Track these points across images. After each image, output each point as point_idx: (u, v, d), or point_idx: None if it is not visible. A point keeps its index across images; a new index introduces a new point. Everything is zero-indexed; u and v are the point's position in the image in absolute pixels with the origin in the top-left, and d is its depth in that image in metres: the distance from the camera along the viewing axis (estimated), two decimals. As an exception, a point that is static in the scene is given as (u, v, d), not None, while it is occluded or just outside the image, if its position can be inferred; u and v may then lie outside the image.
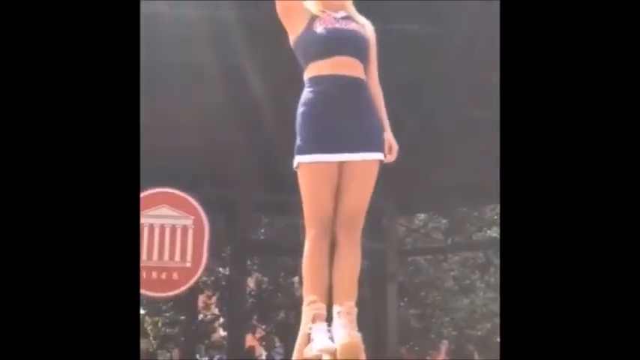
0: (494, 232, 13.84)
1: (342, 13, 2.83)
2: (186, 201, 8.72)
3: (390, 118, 2.84)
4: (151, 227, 8.57)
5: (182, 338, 13.81)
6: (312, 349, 2.49)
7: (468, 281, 15.32)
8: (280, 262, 14.57)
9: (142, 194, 8.25)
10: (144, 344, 14.22)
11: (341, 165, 2.68)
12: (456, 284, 15.37)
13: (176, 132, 7.88)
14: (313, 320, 2.55)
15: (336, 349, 2.44)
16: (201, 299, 14.98)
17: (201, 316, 14.94)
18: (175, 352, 15.92)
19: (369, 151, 2.70)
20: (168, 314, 15.34)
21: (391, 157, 2.78)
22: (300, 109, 2.74)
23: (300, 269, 2.71)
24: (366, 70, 2.80)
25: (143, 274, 8.25)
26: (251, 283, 14.74)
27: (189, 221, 8.68)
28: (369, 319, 9.14)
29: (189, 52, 6.70)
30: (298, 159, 2.68)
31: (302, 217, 2.71)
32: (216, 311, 15.87)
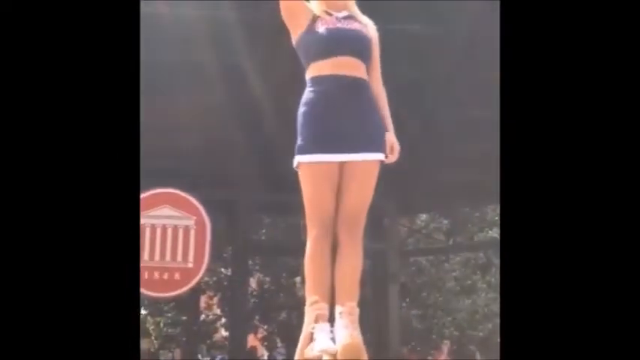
0: (496, 233, 13.83)
1: (344, 13, 2.83)
2: (188, 201, 8.72)
3: (391, 117, 2.84)
4: (153, 227, 8.58)
5: (184, 338, 13.81)
6: (314, 350, 2.49)
7: (469, 282, 15.31)
8: (282, 263, 14.58)
9: (144, 194, 8.26)
10: (146, 344, 14.24)
11: (342, 165, 2.67)
12: (457, 285, 15.36)
13: (176, 132, 7.88)
14: (316, 320, 2.55)
15: (336, 350, 2.43)
16: (203, 299, 15.00)
17: (203, 317, 14.95)
18: (177, 352, 15.94)
19: (369, 152, 2.69)
20: (170, 314, 15.35)
21: (393, 158, 2.77)
22: (301, 109, 2.74)
23: (302, 269, 2.70)
24: (368, 69, 2.79)
25: (145, 275, 8.26)
26: (253, 283, 14.75)
27: (191, 221, 8.69)
28: (370, 320, 9.14)
29: (189, 52, 6.70)
30: (298, 159, 2.68)
31: (303, 217, 2.71)
32: (218, 311, 15.89)
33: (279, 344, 15.22)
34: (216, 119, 7.80)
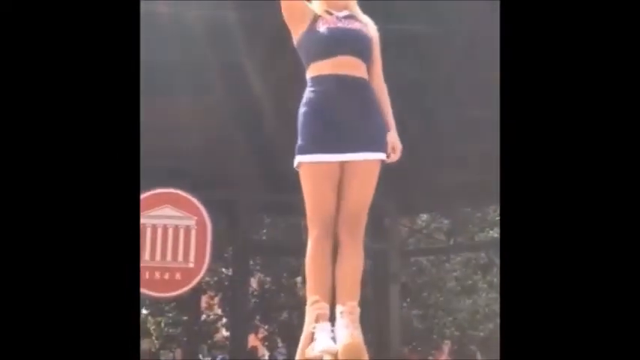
0: (497, 233, 13.82)
1: (345, 13, 2.83)
2: (189, 201, 8.72)
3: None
4: (154, 227, 8.58)
5: (185, 338, 13.82)
6: (314, 349, 2.49)
7: (470, 282, 15.30)
8: (283, 262, 14.58)
9: (145, 195, 8.26)
10: (146, 344, 14.24)
11: (342, 165, 2.67)
12: (458, 285, 15.35)
13: (176, 132, 7.87)
14: (317, 320, 2.55)
15: (337, 350, 2.43)
16: (204, 299, 15.00)
17: (203, 317, 14.95)
18: (178, 352, 15.94)
19: (370, 151, 2.69)
20: (170, 314, 15.35)
21: (395, 157, 2.77)
22: (302, 109, 2.74)
23: (303, 269, 2.70)
24: (369, 69, 2.79)
25: (146, 275, 8.26)
26: (254, 283, 14.75)
27: (191, 222, 8.69)
28: (371, 320, 9.14)
29: (189, 52, 6.69)
30: (299, 159, 2.68)
31: (304, 217, 2.71)
32: (218, 311, 15.88)
33: (280, 344, 15.22)
34: (216, 119, 7.80)
